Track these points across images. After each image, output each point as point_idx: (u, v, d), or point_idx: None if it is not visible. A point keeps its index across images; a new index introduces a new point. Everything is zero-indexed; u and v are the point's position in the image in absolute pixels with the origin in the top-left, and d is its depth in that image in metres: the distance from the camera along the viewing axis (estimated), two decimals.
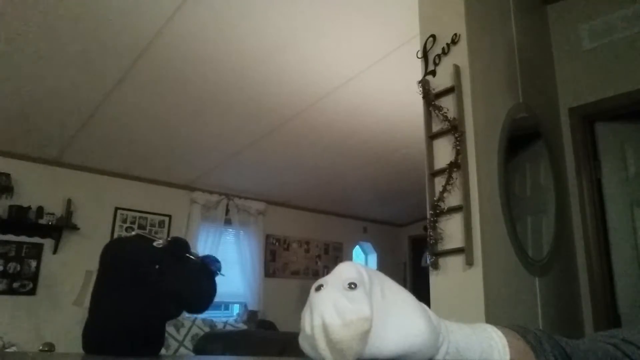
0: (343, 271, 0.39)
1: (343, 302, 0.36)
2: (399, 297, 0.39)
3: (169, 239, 0.85)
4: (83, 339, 0.77)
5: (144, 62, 2.99)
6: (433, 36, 2.10)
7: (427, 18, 2.19)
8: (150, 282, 0.77)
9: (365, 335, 0.35)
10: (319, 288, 0.38)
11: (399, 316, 0.37)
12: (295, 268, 5.97)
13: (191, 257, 0.83)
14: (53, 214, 4.09)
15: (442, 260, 1.91)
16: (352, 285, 0.37)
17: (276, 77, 3.29)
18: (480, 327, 0.45)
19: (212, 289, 0.85)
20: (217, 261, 0.88)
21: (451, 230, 1.89)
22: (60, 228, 4.10)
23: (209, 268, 0.85)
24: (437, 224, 1.92)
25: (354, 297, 0.36)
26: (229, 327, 4.65)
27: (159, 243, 0.82)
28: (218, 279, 0.86)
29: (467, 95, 1.94)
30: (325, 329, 0.35)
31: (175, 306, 0.80)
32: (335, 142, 4.37)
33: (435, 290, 1.92)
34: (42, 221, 4.02)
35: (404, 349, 0.37)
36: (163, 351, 0.83)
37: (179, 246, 0.84)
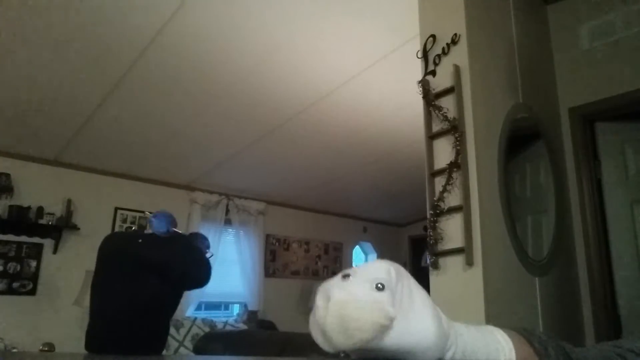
0: (374, 269, 0.39)
1: (370, 292, 0.36)
2: (418, 298, 0.40)
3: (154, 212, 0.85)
4: (86, 338, 0.77)
5: (144, 62, 2.99)
6: (433, 36, 2.10)
7: (427, 18, 2.19)
8: (138, 259, 0.78)
9: (382, 329, 0.36)
10: (346, 276, 0.38)
11: (415, 318, 0.39)
12: (295, 268, 5.97)
13: (177, 231, 0.84)
14: (53, 214, 4.09)
15: (442, 260, 1.91)
16: (380, 286, 0.37)
17: (276, 77, 3.28)
18: (488, 330, 0.47)
19: (202, 263, 0.84)
20: (205, 239, 0.88)
21: (451, 230, 1.89)
22: (60, 228, 4.10)
23: (195, 244, 0.86)
24: (437, 224, 1.92)
25: (381, 298, 0.37)
26: (229, 327, 4.66)
27: (149, 218, 0.83)
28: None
29: (467, 95, 1.94)
30: (343, 302, 0.36)
31: (163, 279, 0.80)
32: (335, 142, 4.37)
33: (435, 290, 1.92)
34: (42, 221, 4.01)
35: (412, 345, 0.38)
36: (163, 351, 0.83)
37: (162, 218, 0.84)
